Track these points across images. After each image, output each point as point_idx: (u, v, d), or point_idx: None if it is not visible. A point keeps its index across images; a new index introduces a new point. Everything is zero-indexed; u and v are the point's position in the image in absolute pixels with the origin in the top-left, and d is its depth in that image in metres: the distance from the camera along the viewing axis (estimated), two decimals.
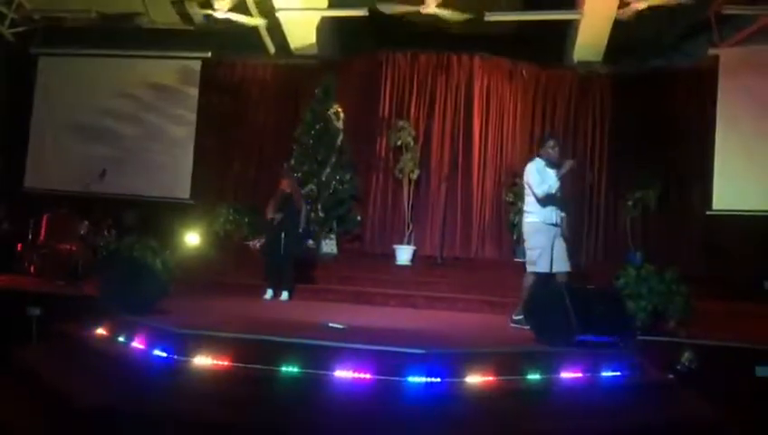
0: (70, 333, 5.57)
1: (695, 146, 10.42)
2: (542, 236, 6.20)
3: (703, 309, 6.59)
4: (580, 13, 9.82)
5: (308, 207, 9.11)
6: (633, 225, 10.44)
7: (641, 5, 9.28)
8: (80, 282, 8.05)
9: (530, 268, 6.28)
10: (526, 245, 6.38)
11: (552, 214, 6.24)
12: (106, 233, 9.51)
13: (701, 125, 10.34)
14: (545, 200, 6.23)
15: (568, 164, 6.34)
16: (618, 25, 9.92)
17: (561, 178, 6.25)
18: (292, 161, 10.40)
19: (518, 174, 10.69)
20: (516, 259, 10.15)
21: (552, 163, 6.34)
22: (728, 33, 10.09)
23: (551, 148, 6.40)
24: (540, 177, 6.24)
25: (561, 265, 6.21)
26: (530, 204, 6.32)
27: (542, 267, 6.16)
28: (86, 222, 9.83)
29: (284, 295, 7.97)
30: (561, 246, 6.25)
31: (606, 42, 10.33)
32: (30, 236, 9.87)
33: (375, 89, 11.27)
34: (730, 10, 9.53)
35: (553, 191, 6.21)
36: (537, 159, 6.41)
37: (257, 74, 11.97)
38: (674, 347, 5.75)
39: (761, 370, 5.60)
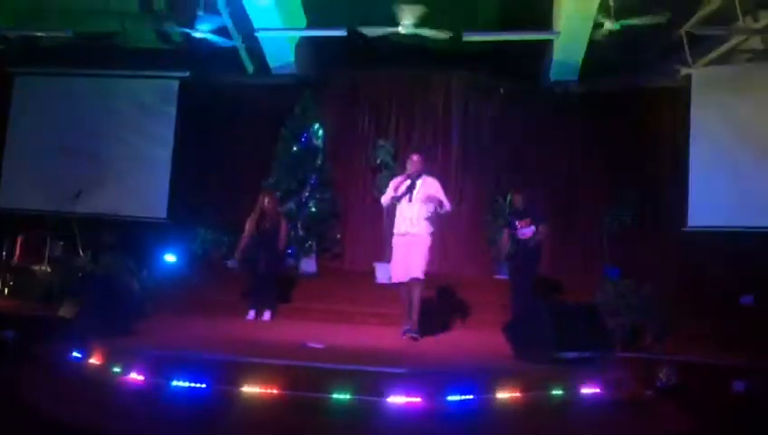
0: (44, 355, 5.48)
1: (669, 164, 10.56)
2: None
3: (680, 325, 6.66)
4: (556, 33, 9.95)
5: (289, 226, 9.06)
6: (610, 241, 10.53)
7: (615, 26, 9.45)
8: (55, 304, 7.93)
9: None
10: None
11: (401, 224, 6.78)
12: (82, 253, 9.40)
13: (675, 143, 10.48)
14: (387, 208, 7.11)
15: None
16: (593, 45, 10.08)
17: (406, 190, 6.79)
18: (272, 180, 10.38)
19: (495, 191, 10.83)
20: (496, 277, 10.20)
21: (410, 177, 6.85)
22: (700, 53, 10.28)
23: (408, 163, 6.97)
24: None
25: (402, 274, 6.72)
26: None
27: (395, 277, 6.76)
28: (61, 242, 9.71)
29: (266, 315, 7.91)
30: (406, 254, 6.70)
31: (581, 61, 10.47)
32: (4, 257, 9.71)
33: (354, 107, 11.32)
34: (702, 31, 9.70)
35: (388, 200, 6.87)
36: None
37: (236, 93, 11.91)
38: (652, 363, 5.79)
39: (737, 385, 5.65)
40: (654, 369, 5.63)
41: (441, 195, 6.78)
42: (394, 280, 6.81)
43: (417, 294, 6.59)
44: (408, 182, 6.83)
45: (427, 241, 6.71)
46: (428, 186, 6.84)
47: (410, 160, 6.96)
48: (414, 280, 6.56)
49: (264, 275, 7.95)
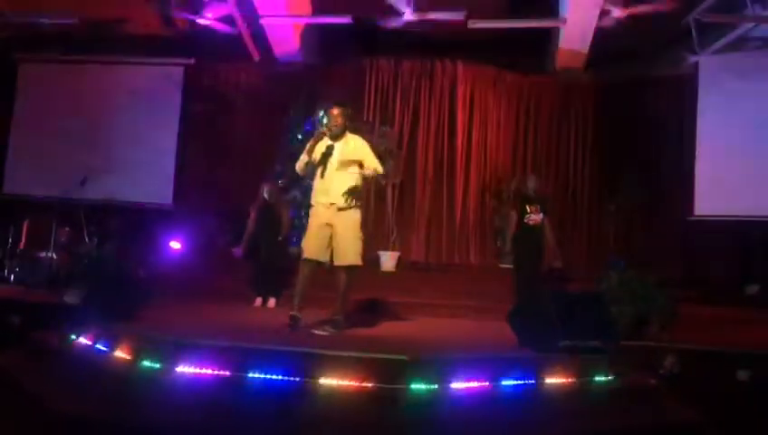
0: (50, 341, 5.51)
1: (676, 152, 10.51)
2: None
3: (685, 314, 6.64)
4: (563, 20, 9.88)
5: (291, 213, 9.05)
6: (616, 229, 10.49)
7: (622, 14, 9.38)
8: (60, 290, 7.95)
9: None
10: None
11: (320, 194, 5.69)
12: (87, 240, 9.41)
13: (682, 132, 10.43)
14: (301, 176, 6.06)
15: None
16: (599, 33, 10.01)
17: (321, 156, 5.61)
18: (277, 167, 10.37)
19: (501, 179, 10.83)
20: (501, 265, 10.18)
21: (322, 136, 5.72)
22: (708, 40, 10.21)
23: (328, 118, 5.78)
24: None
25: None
26: None
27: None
28: (67, 229, 9.73)
29: (271, 302, 7.95)
30: (327, 231, 5.69)
31: (588, 49, 10.41)
32: (9, 244, 9.74)
33: (359, 95, 11.28)
34: (710, 18, 9.63)
35: (302, 166, 5.73)
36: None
37: (241, 80, 11.93)
38: (656, 352, 5.79)
39: (742, 374, 5.65)
40: (658, 357, 5.63)
41: (368, 158, 5.65)
42: (305, 255, 5.68)
43: (346, 281, 5.72)
44: (325, 143, 5.64)
45: (356, 216, 5.63)
46: (352, 148, 5.65)
47: (330, 114, 5.70)
48: (347, 266, 5.67)
49: (266, 263, 7.98)
